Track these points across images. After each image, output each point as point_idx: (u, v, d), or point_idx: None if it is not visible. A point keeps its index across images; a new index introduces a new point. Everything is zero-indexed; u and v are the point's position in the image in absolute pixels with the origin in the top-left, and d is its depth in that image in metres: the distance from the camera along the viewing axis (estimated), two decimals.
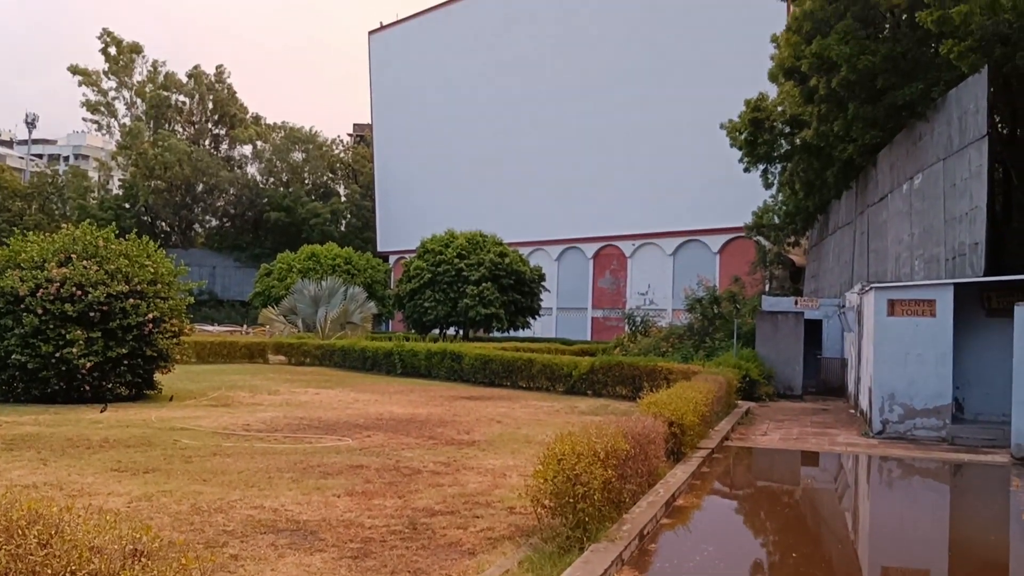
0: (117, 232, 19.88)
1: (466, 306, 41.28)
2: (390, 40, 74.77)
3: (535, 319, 46.32)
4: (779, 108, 30.40)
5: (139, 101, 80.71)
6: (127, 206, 77.45)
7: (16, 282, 17.33)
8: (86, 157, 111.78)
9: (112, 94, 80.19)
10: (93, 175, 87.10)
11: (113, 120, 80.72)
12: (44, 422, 14.40)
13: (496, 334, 44.92)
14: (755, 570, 7.93)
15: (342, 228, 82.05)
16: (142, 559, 3.93)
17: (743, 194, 39.01)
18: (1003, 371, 14.70)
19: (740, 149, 32.08)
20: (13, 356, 17.01)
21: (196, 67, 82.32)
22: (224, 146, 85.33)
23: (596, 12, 56.85)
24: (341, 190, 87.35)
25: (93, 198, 79.42)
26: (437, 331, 44.15)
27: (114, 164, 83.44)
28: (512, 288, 43.04)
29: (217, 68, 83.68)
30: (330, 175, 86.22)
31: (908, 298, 15.82)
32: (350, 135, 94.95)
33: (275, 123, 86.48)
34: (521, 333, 45.98)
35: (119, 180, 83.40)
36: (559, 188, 58.92)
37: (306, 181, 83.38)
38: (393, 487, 9.54)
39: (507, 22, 63.44)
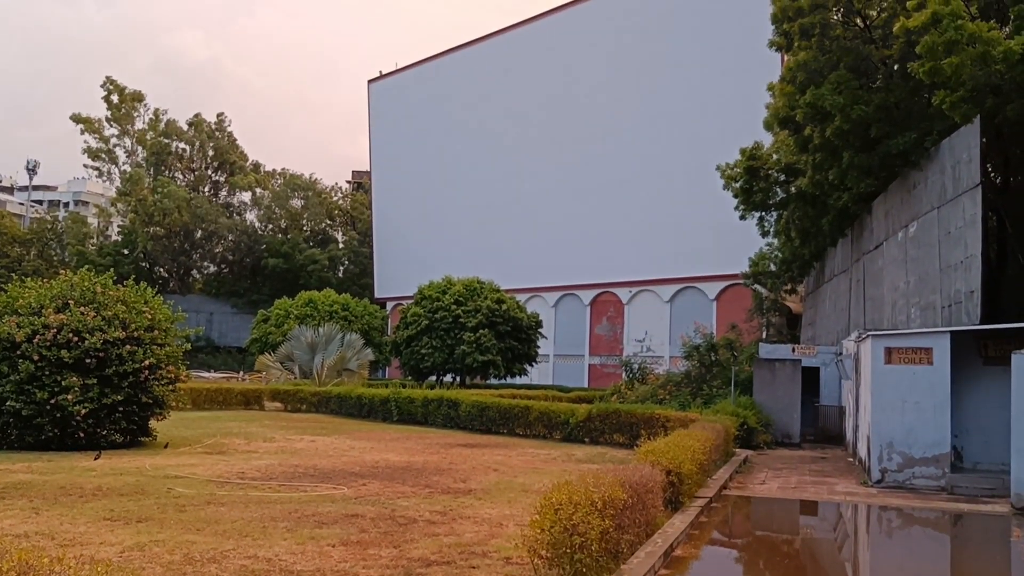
0: (115, 278, 19.87)
1: (463, 353, 41.19)
2: (389, 89, 75.62)
3: (532, 366, 46.17)
4: (774, 156, 30.71)
5: (140, 148, 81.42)
6: (126, 252, 77.70)
7: (13, 328, 17.30)
8: (86, 203, 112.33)
9: (114, 141, 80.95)
10: (92, 221, 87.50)
11: (114, 167, 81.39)
12: (37, 469, 14.28)
13: (493, 381, 44.75)
14: None
15: (340, 274, 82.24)
16: None
17: (739, 241, 39.20)
18: (1001, 419, 14.67)
19: (736, 197, 32.33)
20: (8, 403, 16.91)
21: (197, 115, 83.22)
22: (223, 193, 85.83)
23: (592, 61, 57.60)
24: (339, 237, 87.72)
25: (92, 244, 79.70)
26: (434, 378, 43.99)
27: (114, 210, 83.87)
28: (509, 335, 42.98)
29: (218, 116, 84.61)
30: (328, 222, 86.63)
31: (905, 346, 15.82)
32: (349, 182, 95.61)
33: (274, 170, 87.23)
34: (518, 380, 45.83)
35: (118, 226, 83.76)
36: (556, 235, 59.19)
37: (304, 228, 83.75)
38: (388, 536, 9.45)
39: (504, 71, 64.24)
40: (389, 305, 71.65)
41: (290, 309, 53.43)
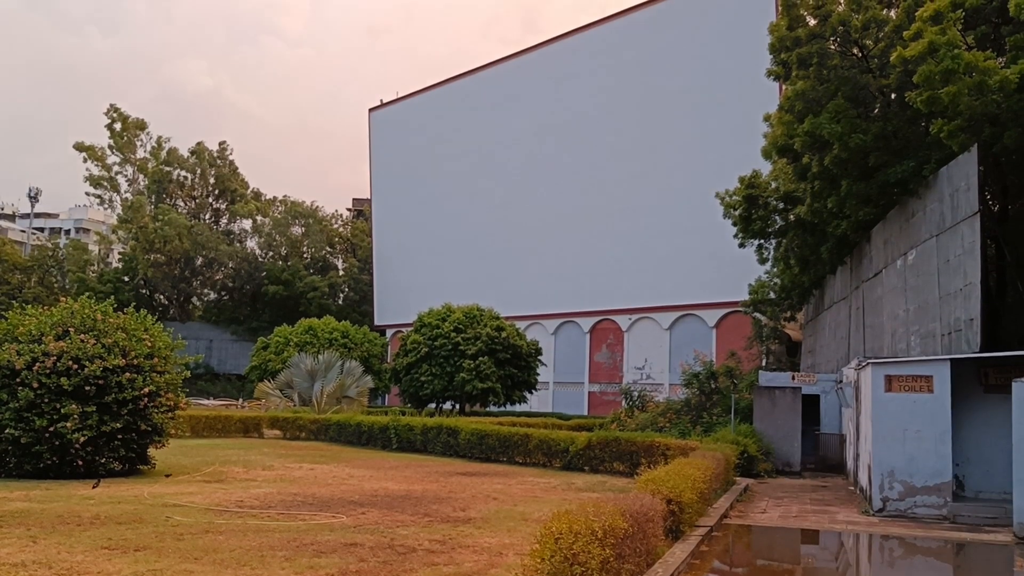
0: (116, 305, 19.88)
1: (463, 380, 41.12)
2: (389, 117, 76.10)
3: (532, 393, 46.07)
4: (773, 185, 30.84)
5: (141, 176, 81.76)
6: (126, 279, 77.83)
7: (13, 355, 17.28)
8: (87, 231, 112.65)
9: (116, 169, 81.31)
10: (93, 248, 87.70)
11: (115, 194, 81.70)
12: (35, 498, 14.22)
13: (493, 408, 44.63)
14: None
15: (340, 302, 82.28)
16: None
17: (738, 269, 39.28)
18: (1003, 448, 14.63)
19: (735, 225, 32.45)
20: (7, 430, 16.84)
21: (199, 143, 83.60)
22: (224, 220, 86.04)
23: (592, 90, 57.99)
24: (339, 264, 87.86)
25: (93, 271, 79.83)
26: (433, 405, 43.88)
27: (114, 238, 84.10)
28: (509, 362, 42.93)
29: (220, 144, 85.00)
30: (329, 249, 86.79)
31: (905, 374, 15.81)
32: (349, 210, 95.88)
33: (275, 197, 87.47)
34: (518, 407, 45.72)
35: (119, 253, 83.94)
36: (556, 262, 59.31)
37: (305, 255, 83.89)
38: (387, 566, 9.40)
39: (504, 100, 64.66)
40: (389, 332, 71.64)
41: (290, 336, 53.41)
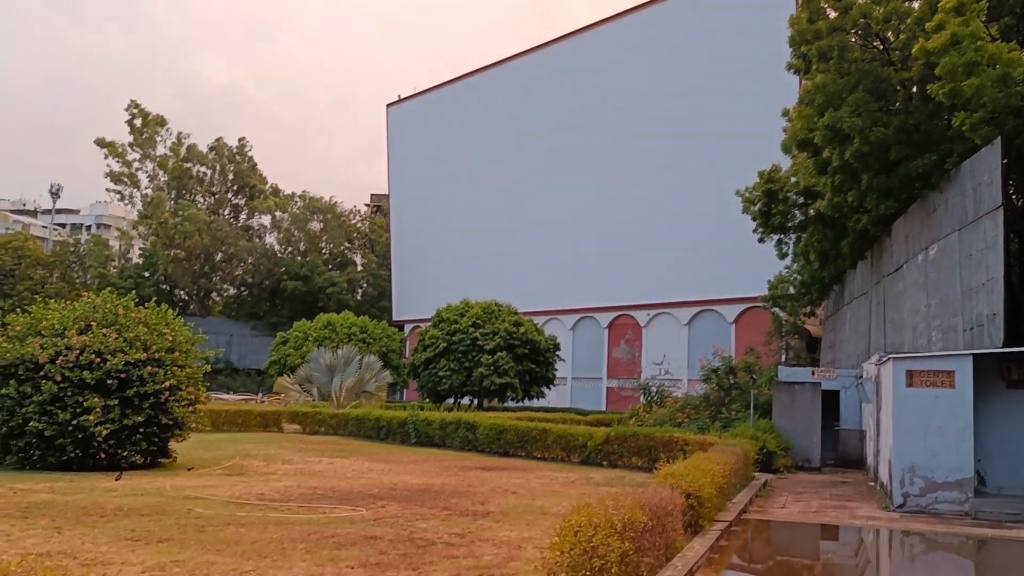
0: (136, 300, 20.05)
1: (481, 375, 41.20)
2: (407, 112, 76.24)
3: (550, 388, 46.11)
4: (792, 179, 30.65)
5: (161, 172, 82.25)
6: (147, 275, 78.43)
7: (36, 349, 17.48)
8: (108, 226, 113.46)
9: (136, 165, 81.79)
10: (114, 244, 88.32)
11: (136, 190, 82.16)
12: (59, 490, 14.38)
13: (511, 403, 44.70)
14: None
15: (358, 297, 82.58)
16: None
17: (758, 264, 39.11)
18: None
19: (754, 220, 32.29)
20: (31, 423, 17.04)
21: (218, 139, 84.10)
22: (243, 216, 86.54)
23: (610, 84, 57.86)
24: (358, 259, 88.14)
25: (114, 267, 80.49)
26: (451, 400, 43.98)
27: (135, 233, 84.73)
28: (527, 357, 42.97)
29: (239, 140, 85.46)
30: (347, 245, 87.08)
31: (926, 369, 15.71)
32: (367, 205, 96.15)
33: (293, 193, 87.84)
34: (535, 403, 45.75)
35: (139, 249, 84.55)
36: (574, 258, 59.26)
37: (323, 250, 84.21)
38: (407, 559, 9.44)
39: (522, 94, 64.62)
40: (407, 328, 71.82)
41: (309, 331, 53.66)
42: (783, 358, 40.20)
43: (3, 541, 9.66)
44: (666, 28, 54.91)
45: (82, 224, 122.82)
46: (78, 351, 17.51)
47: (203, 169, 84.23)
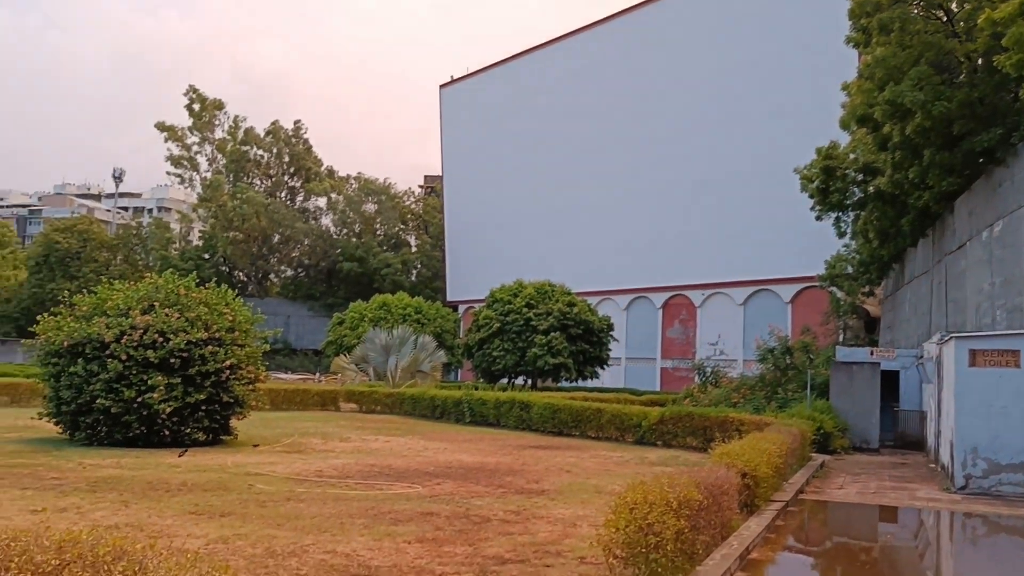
0: (197, 281, 20.48)
1: (534, 355, 41.29)
2: (460, 93, 76.25)
3: (603, 369, 46.05)
4: (851, 156, 30.09)
5: (220, 155, 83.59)
6: (206, 257, 79.95)
7: (102, 329, 17.95)
8: (168, 209, 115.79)
9: (195, 149, 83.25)
10: (175, 227, 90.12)
11: (195, 174, 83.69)
12: (126, 465, 14.80)
13: (564, 384, 44.76)
14: None
15: (412, 278, 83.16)
16: None
17: (815, 243, 38.51)
18: None
19: (812, 197, 31.79)
20: (98, 401, 17.53)
21: (274, 123, 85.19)
22: (299, 198, 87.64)
23: (664, 62, 57.20)
24: (412, 241, 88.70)
25: (175, 249, 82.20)
26: (505, 380, 44.18)
27: (195, 216, 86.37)
28: (580, 338, 42.94)
29: (295, 123, 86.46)
30: (401, 226, 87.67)
31: (990, 348, 15.35)
32: (421, 187, 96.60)
33: (348, 175, 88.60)
34: (589, 383, 45.72)
35: (199, 231, 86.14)
36: (628, 238, 58.89)
37: (378, 232, 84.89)
38: (463, 535, 9.55)
39: (574, 74, 64.19)
40: (461, 308, 72.16)
41: (364, 312, 54.25)
42: (841, 338, 39.58)
43: (74, 513, 10.00)
44: (721, 4, 54.06)
45: (144, 207, 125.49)
46: (142, 330, 17.94)
47: (260, 152, 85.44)
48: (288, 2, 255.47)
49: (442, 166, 78.72)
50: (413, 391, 33.14)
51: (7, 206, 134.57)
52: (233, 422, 20.07)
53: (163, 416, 17.70)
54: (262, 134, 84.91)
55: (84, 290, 20.68)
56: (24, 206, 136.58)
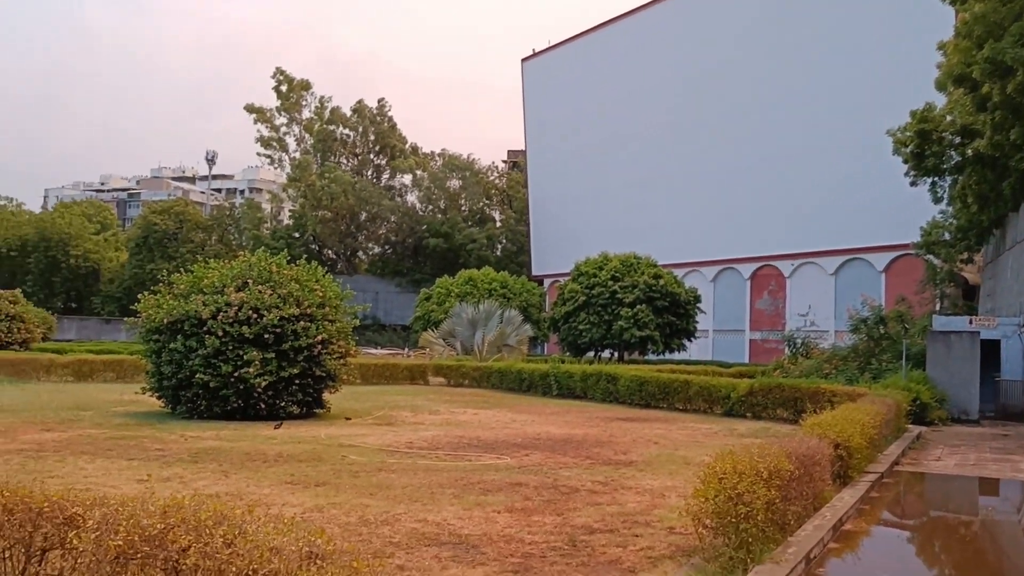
0: (288, 259, 21.00)
1: (620, 328, 41.10)
2: (542, 67, 75.81)
3: (691, 341, 45.56)
4: (948, 118, 28.99)
5: (307, 136, 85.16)
6: (296, 235, 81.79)
7: (199, 306, 18.58)
8: (259, 190, 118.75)
9: (283, 130, 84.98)
10: (266, 207, 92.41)
11: (284, 155, 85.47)
12: (224, 437, 15.34)
13: (651, 356, 44.48)
14: None
15: (497, 253, 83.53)
16: (318, 561, 4.14)
17: (909, 209, 37.26)
18: None
19: (906, 162, 30.76)
20: (197, 375, 18.18)
21: (359, 102, 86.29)
22: (385, 176, 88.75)
23: (751, 27, 55.85)
24: (496, 216, 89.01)
25: (266, 228, 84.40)
26: (592, 353, 44.13)
27: (285, 196, 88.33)
28: (667, 310, 42.54)
29: (379, 102, 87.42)
30: (486, 201, 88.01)
31: None
32: (504, 162, 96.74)
33: (432, 152, 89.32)
34: (676, 356, 45.32)
35: (289, 211, 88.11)
36: (714, 208, 57.94)
37: (463, 207, 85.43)
38: (552, 504, 9.64)
39: (659, 43, 63.16)
40: (546, 282, 72.20)
41: (451, 287, 54.78)
42: (937, 307, 38.31)
43: (176, 483, 10.43)
44: None
45: (236, 188, 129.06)
46: (236, 307, 18.51)
47: (346, 131, 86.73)
48: None
49: (525, 140, 78.58)
50: (500, 365, 33.41)
51: (108, 190, 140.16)
52: (326, 395, 20.58)
53: (259, 390, 18.26)
54: (348, 113, 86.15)
55: (181, 269, 21.43)
56: (123, 190, 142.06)
